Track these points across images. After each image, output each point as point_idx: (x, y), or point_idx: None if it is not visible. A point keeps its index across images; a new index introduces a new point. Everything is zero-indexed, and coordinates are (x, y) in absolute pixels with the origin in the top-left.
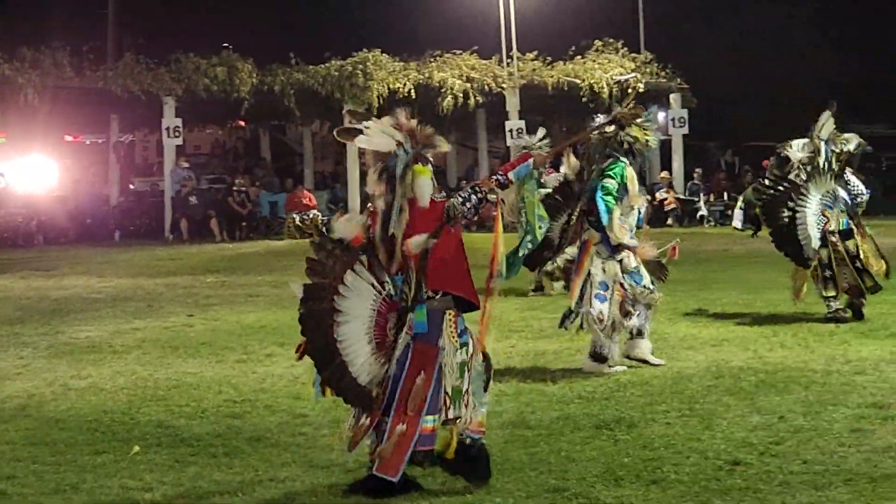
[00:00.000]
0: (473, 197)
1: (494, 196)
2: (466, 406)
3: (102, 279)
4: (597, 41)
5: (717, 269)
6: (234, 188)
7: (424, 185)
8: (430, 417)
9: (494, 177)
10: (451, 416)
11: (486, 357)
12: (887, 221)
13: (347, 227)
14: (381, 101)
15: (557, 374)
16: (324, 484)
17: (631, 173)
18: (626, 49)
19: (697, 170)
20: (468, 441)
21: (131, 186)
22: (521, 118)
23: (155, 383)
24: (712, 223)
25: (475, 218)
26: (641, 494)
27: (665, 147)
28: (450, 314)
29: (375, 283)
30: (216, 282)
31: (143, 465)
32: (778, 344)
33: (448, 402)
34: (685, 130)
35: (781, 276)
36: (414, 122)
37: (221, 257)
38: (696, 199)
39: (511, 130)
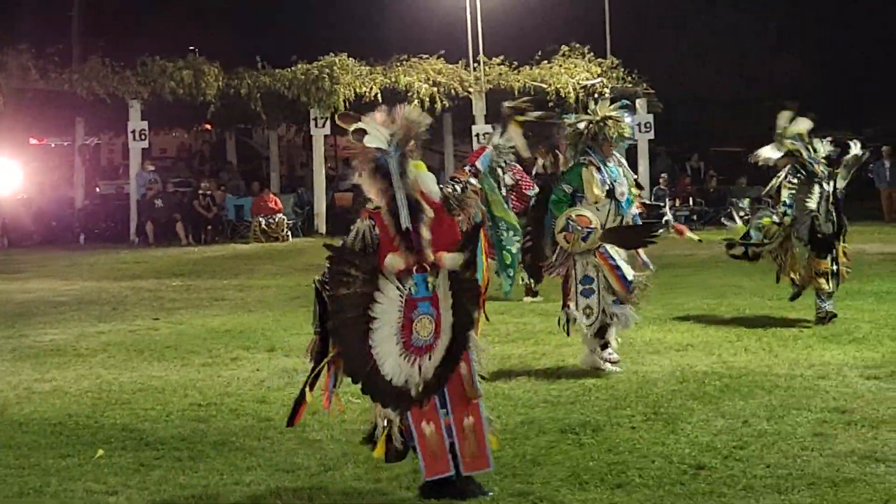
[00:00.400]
0: (458, 186)
1: (472, 185)
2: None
3: (67, 282)
4: (563, 46)
5: (681, 273)
6: (200, 192)
7: (429, 177)
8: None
9: (466, 168)
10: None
11: None
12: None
13: (396, 260)
14: (348, 106)
15: (523, 378)
16: (289, 487)
17: (588, 175)
18: (592, 54)
19: (663, 175)
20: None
21: (97, 189)
22: (487, 123)
23: (120, 387)
24: None
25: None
26: (606, 498)
27: (631, 152)
28: None
29: (400, 286)
30: (182, 285)
31: (107, 468)
32: (742, 349)
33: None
34: (651, 135)
35: (745, 281)
36: (410, 115)
37: (187, 261)
38: (662, 204)
39: (478, 135)
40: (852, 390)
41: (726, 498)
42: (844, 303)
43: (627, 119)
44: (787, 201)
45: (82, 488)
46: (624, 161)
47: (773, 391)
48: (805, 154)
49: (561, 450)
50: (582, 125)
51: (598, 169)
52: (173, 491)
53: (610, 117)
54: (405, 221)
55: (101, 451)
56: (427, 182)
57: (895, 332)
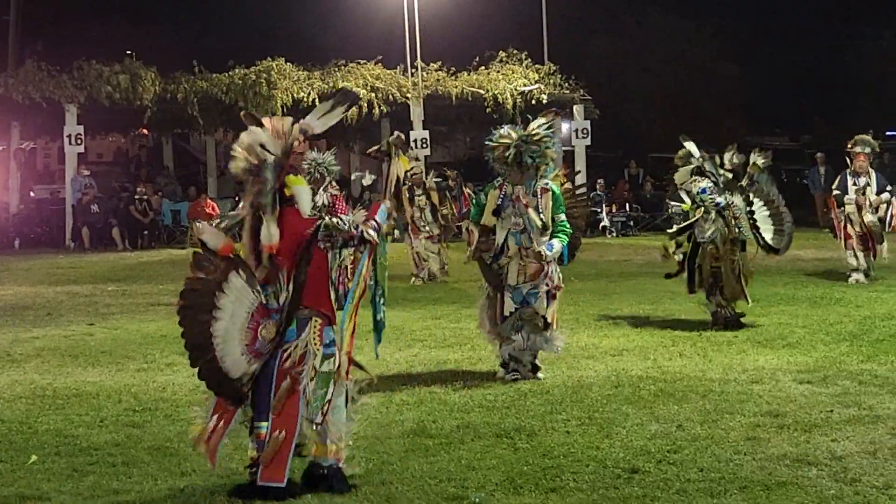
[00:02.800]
0: (354, 231)
1: (370, 238)
2: (324, 415)
3: (1, 287)
4: (501, 52)
5: (617, 279)
6: (137, 196)
7: (304, 192)
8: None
9: (370, 221)
10: (309, 418)
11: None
12: None
13: (216, 237)
14: (285, 111)
15: (458, 382)
16: (223, 493)
17: (490, 196)
18: (529, 60)
19: (600, 181)
20: (323, 470)
21: (32, 194)
22: (425, 128)
23: (54, 392)
24: (614, 234)
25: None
26: (540, 502)
27: (568, 158)
28: (315, 321)
29: (255, 290)
30: (117, 290)
31: (40, 474)
32: (677, 353)
33: (308, 406)
34: (588, 141)
35: (680, 287)
36: (287, 128)
37: (123, 266)
38: (599, 210)
39: (416, 140)
40: (785, 395)
41: (660, 502)
42: (779, 308)
43: (564, 127)
44: (699, 189)
45: (15, 494)
46: (551, 190)
47: (707, 395)
48: (709, 166)
49: (496, 454)
50: (498, 149)
51: (505, 194)
52: (107, 497)
53: (525, 142)
54: (263, 239)
55: (34, 457)
56: (302, 198)
57: (828, 337)
